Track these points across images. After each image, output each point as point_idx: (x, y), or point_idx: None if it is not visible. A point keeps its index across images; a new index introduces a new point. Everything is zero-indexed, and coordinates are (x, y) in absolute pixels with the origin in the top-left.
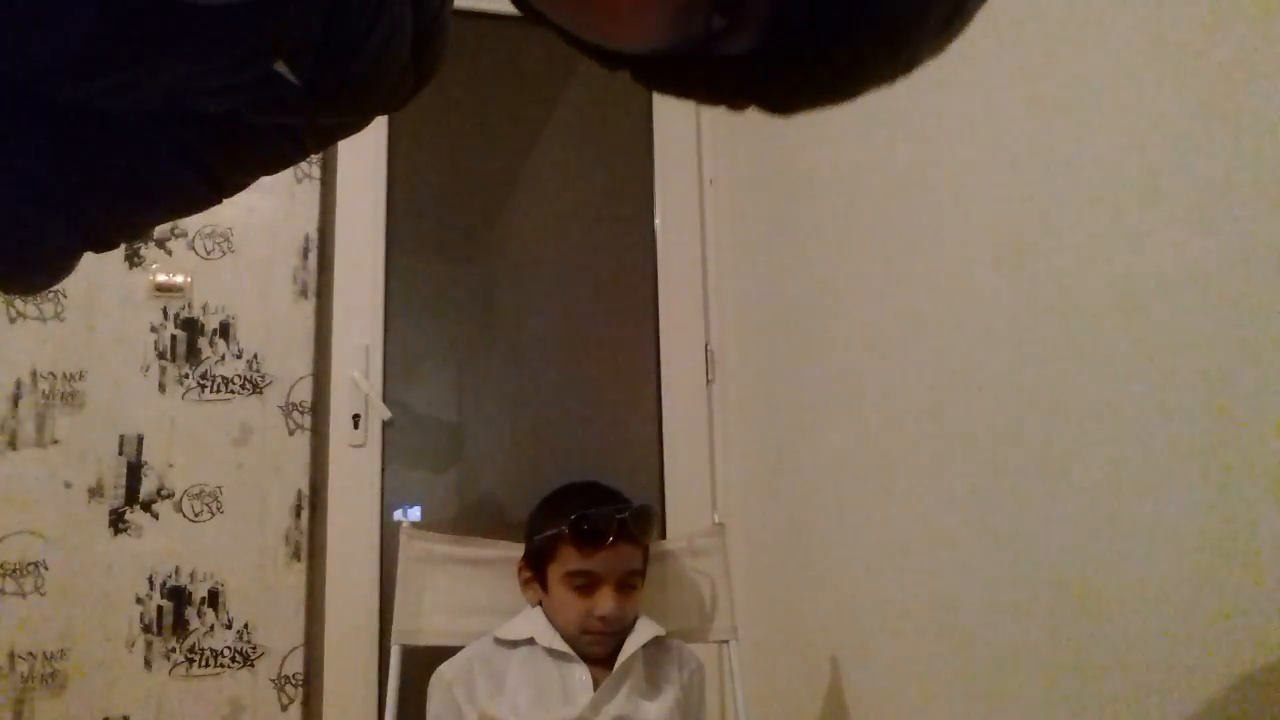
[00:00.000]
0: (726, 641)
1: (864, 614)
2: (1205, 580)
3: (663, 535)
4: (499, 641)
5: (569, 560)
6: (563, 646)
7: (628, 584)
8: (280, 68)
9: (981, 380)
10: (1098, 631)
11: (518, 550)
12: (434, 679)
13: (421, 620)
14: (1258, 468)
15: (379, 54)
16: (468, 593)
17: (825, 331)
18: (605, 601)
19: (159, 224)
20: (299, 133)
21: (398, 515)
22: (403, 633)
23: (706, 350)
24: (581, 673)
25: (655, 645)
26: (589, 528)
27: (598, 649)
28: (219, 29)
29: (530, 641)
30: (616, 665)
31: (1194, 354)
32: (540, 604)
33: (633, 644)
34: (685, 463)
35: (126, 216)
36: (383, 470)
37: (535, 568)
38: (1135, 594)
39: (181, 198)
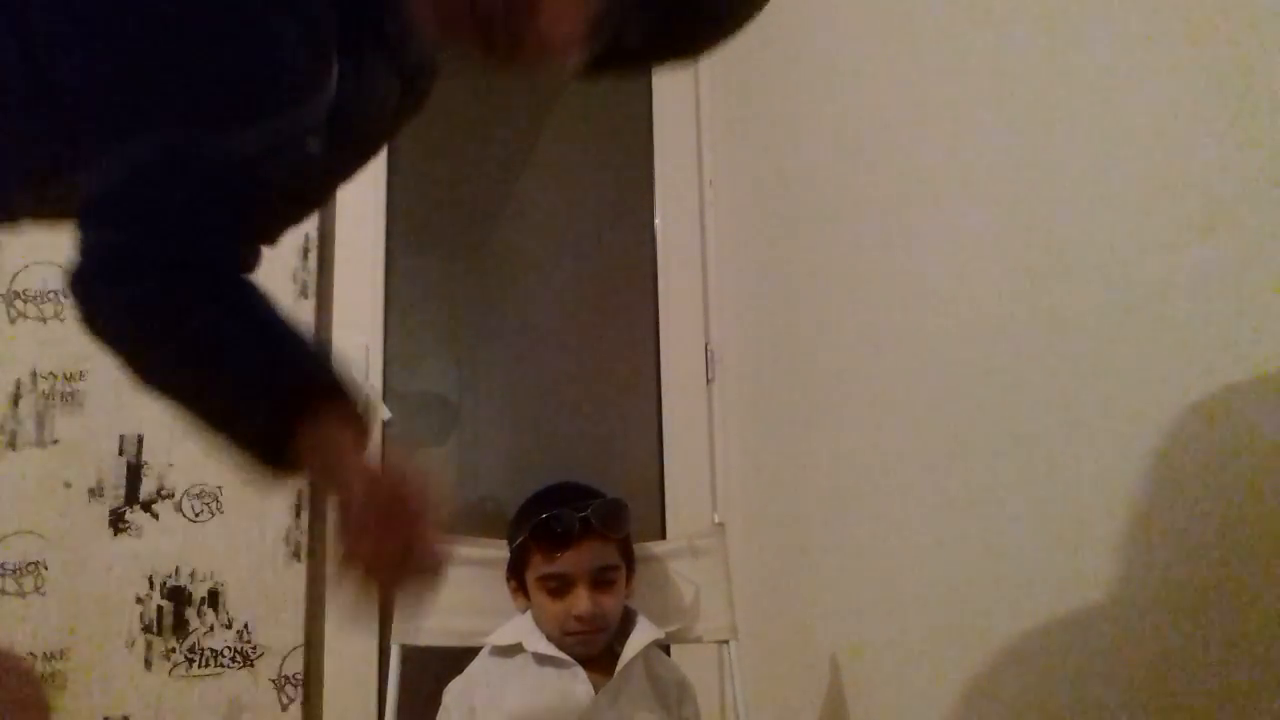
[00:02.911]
0: (726, 641)
1: (864, 614)
2: (1208, 581)
3: (663, 535)
4: (496, 650)
5: (539, 565)
6: (552, 650)
7: (603, 580)
8: (311, 145)
9: (982, 380)
10: (1099, 632)
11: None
12: (442, 698)
13: (421, 620)
14: (1258, 469)
15: (375, 115)
16: (467, 592)
17: (825, 331)
18: (580, 601)
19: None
20: (318, 180)
21: None
22: (402, 632)
23: (706, 350)
24: (578, 674)
25: (658, 661)
26: (549, 530)
27: (584, 649)
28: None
29: (521, 648)
30: (617, 671)
31: (1194, 354)
32: (529, 610)
33: (633, 647)
34: (685, 463)
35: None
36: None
37: (515, 576)
38: (1137, 595)
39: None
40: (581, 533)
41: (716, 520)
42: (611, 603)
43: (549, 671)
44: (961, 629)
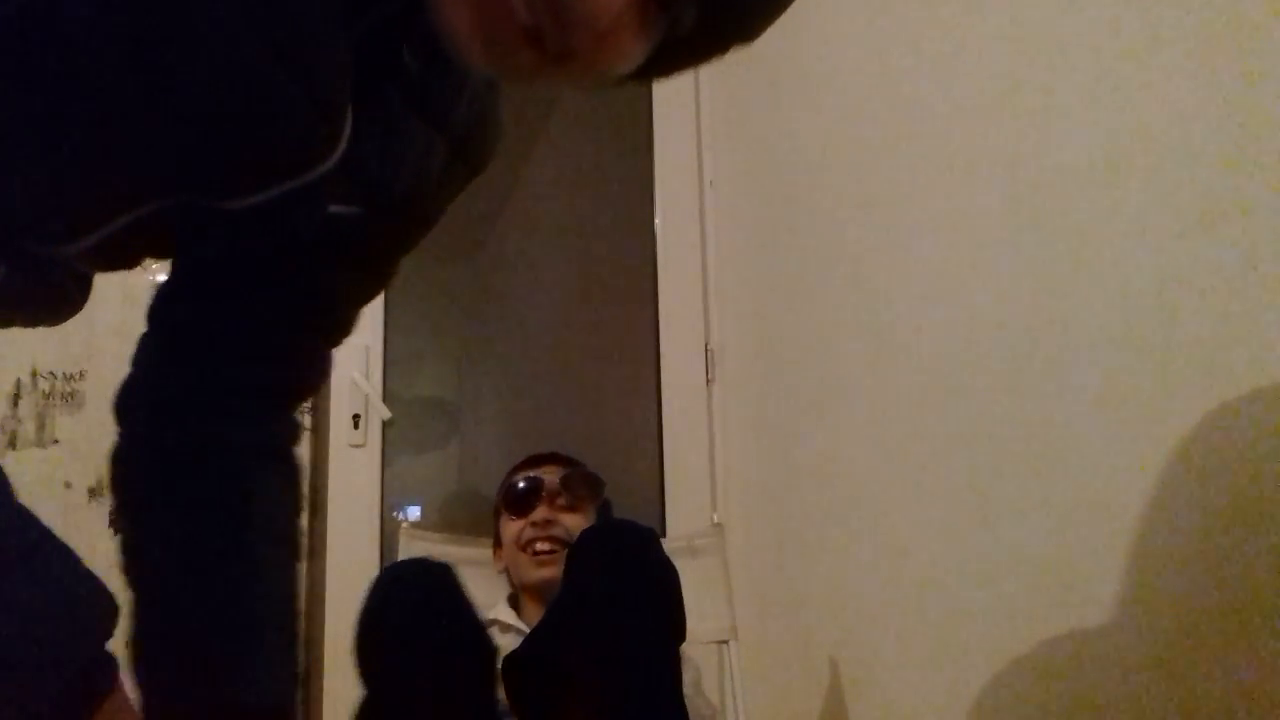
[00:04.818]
0: (726, 642)
1: (864, 614)
2: (1206, 578)
3: (663, 535)
4: None
5: (507, 482)
6: (514, 621)
7: (569, 502)
8: (331, 208)
9: (982, 380)
10: (1100, 633)
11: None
12: None
13: None
14: (1256, 468)
15: (415, 174)
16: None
17: (825, 331)
18: (540, 512)
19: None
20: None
21: (398, 515)
22: None
23: (706, 350)
24: None
25: None
26: (524, 458)
27: (549, 572)
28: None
29: (494, 623)
30: None
31: (1192, 353)
32: (506, 572)
33: None
34: (685, 463)
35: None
36: (383, 470)
37: (495, 535)
38: (1137, 596)
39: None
40: (552, 457)
41: (715, 520)
42: (574, 521)
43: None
44: (961, 629)
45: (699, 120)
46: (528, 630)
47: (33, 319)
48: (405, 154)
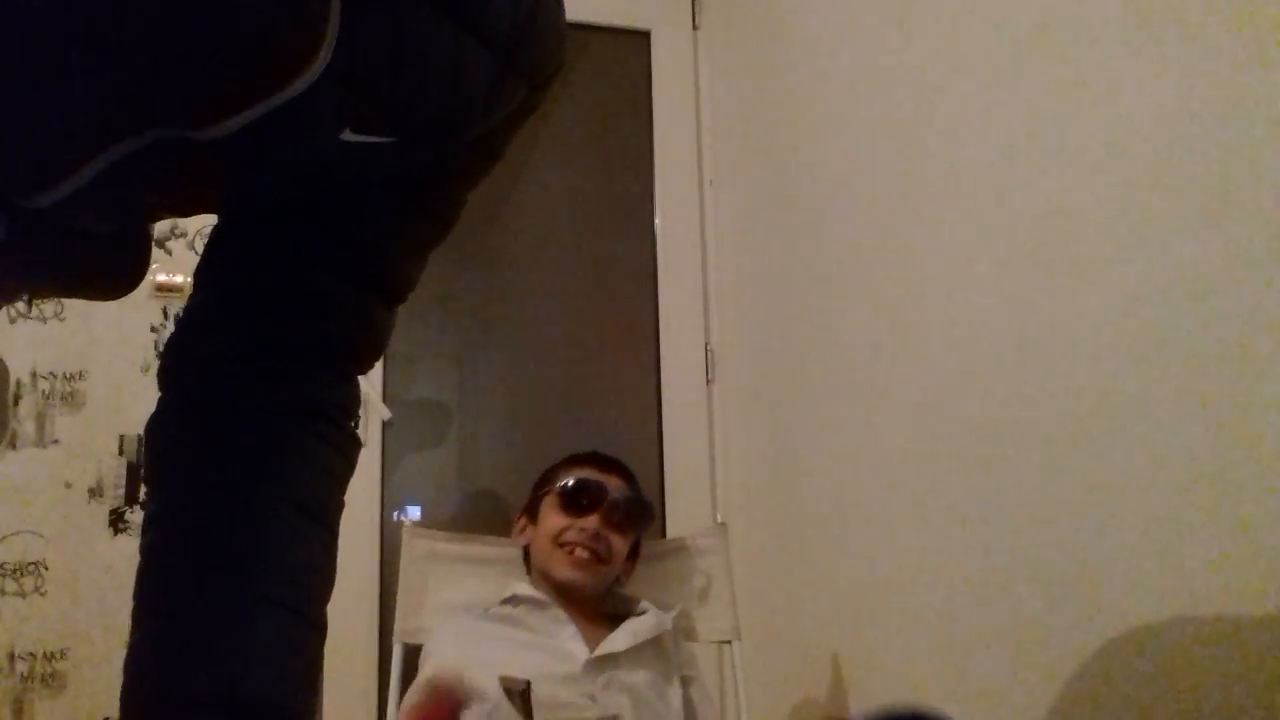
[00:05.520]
0: (728, 642)
1: (864, 614)
2: (1205, 578)
3: (663, 535)
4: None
5: (563, 476)
6: (535, 593)
7: (620, 520)
8: (350, 136)
9: (981, 379)
10: (1099, 631)
11: (518, 548)
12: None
13: (423, 619)
14: (1256, 467)
15: (448, 88)
16: (469, 591)
17: (825, 331)
18: (591, 521)
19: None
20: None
21: (396, 515)
22: (405, 631)
23: (706, 350)
24: (568, 624)
25: (657, 651)
26: (592, 454)
27: (574, 574)
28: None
29: (513, 600)
30: (621, 635)
31: (1193, 352)
32: (525, 551)
33: (646, 627)
34: (685, 463)
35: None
36: (383, 470)
37: (530, 507)
38: (1137, 593)
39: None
40: (616, 466)
41: (718, 520)
42: (618, 543)
43: (539, 616)
44: (961, 628)
45: (699, 120)
46: (546, 600)
47: (68, 288)
48: (426, 62)
